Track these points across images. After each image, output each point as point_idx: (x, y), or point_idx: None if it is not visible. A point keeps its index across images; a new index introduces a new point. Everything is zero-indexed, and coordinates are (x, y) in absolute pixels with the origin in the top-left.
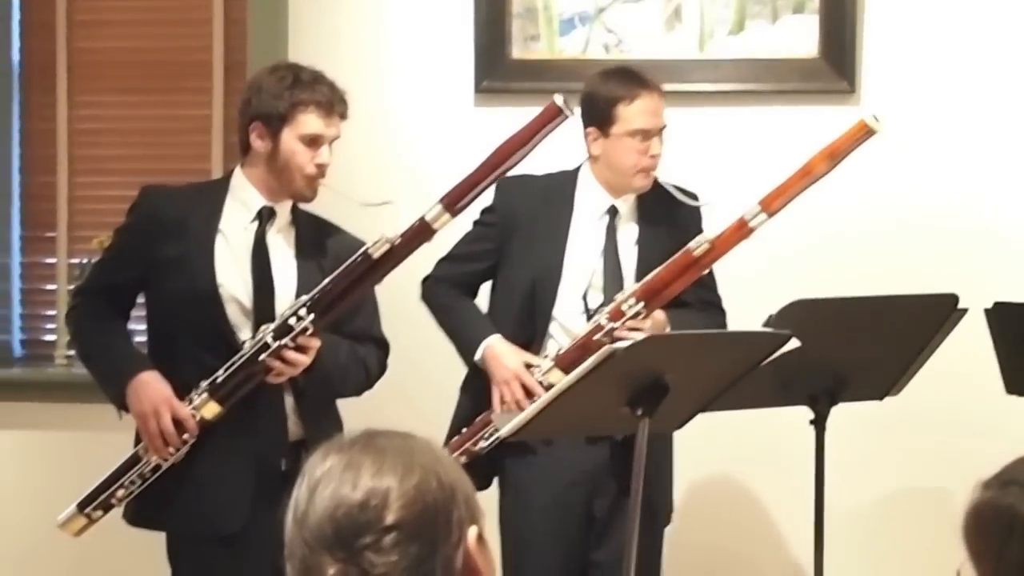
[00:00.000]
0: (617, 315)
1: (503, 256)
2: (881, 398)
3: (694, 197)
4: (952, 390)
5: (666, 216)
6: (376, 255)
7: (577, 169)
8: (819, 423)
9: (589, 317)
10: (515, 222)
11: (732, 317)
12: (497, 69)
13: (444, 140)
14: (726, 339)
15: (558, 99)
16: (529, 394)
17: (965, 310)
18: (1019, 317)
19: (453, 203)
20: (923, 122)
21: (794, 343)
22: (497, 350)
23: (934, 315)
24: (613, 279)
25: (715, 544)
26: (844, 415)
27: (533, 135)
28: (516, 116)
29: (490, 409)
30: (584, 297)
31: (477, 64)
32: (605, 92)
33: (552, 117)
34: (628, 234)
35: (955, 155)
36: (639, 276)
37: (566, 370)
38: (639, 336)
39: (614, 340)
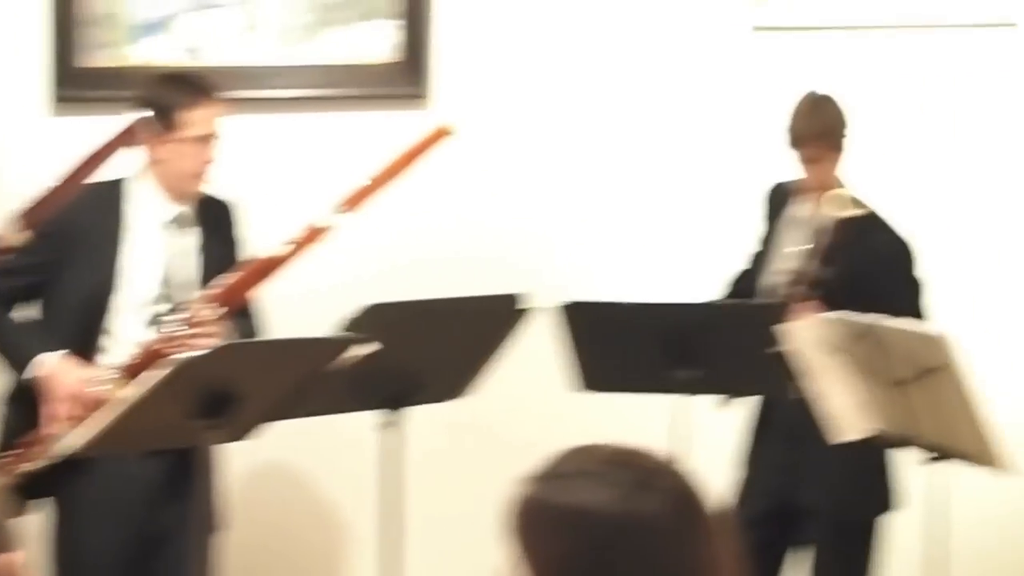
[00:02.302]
0: (192, 322)
1: (54, 270)
2: (452, 399)
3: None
4: (523, 388)
5: (220, 221)
6: None
7: (124, 178)
8: (392, 426)
9: (158, 326)
10: (66, 235)
11: (311, 323)
12: (70, 78)
13: (19, 152)
14: (296, 345)
15: (137, 115)
16: (90, 409)
17: (529, 309)
18: (591, 315)
19: (31, 221)
20: (492, 127)
21: (367, 347)
22: (53, 366)
23: (499, 316)
24: (178, 287)
25: (287, 546)
26: (417, 417)
27: (114, 150)
28: (93, 125)
29: (40, 427)
30: (149, 306)
31: (49, 73)
32: (167, 97)
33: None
34: (189, 241)
35: (522, 159)
36: (203, 282)
37: (134, 382)
38: (212, 344)
39: (186, 348)
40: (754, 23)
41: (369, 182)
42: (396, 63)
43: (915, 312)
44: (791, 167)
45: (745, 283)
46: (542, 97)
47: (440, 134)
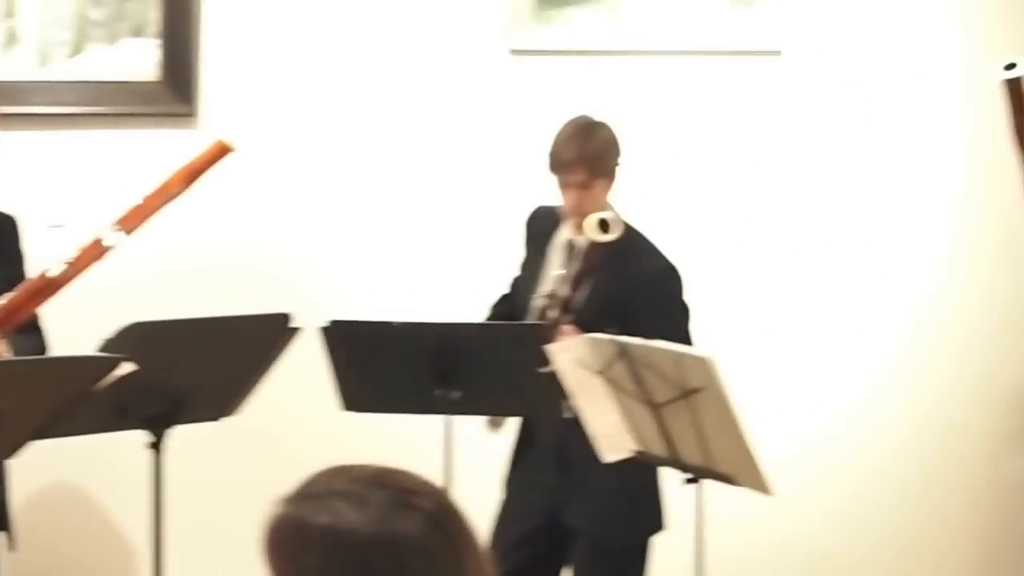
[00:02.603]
0: None
1: None
2: (219, 418)
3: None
4: (290, 407)
5: None
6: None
7: None
8: (157, 445)
9: None
10: None
11: (78, 339)
12: None
13: None
14: (60, 364)
15: None
16: None
17: (297, 329)
18: (353, 335)
19: None
20: (261, 146)
21: (129, 366)
22: None
23: (267, 334)
24: None
25: (65, 562)
26: (185, 435)
27: None
28: None
29: None
30: None
31: None
32: None
33: None
34: None
35: (291, 178)
36: None
37: None
38: None
39: None
40: (511, 46)
41: (143, 200)
42: (159, 82)
43: (680, 336)
44: (552, 191)
45: (506, 307)
46: (310, 117)
47: (221, 150)
